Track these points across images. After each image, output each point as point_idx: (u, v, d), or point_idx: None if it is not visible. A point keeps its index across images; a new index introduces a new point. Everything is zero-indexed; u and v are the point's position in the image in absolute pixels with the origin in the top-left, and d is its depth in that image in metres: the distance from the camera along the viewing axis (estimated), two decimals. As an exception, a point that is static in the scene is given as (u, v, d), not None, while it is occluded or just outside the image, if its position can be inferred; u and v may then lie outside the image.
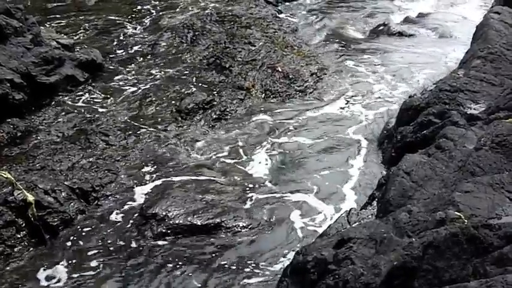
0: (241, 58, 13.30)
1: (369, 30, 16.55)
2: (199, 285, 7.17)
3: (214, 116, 11.21)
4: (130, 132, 10.41)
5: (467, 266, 4.61)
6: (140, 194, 8.88)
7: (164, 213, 8.09)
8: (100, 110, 11.28)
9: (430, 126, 8.88)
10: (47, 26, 14.80)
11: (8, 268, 7.36)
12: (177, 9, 17.13)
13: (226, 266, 7.46)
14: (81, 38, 14.66)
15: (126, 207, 8.61)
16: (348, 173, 9.60)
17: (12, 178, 8.05)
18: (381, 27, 16.36)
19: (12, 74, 10.68)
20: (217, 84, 12.38)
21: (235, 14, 15.97)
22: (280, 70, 12.91)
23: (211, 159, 9.97)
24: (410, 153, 7.65)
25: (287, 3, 18.83)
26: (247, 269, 7.39)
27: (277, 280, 6.24)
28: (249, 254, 7.68)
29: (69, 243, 7.88)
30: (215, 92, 11.91)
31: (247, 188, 9.11)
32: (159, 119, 11.01)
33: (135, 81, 12.54)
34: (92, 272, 7.36)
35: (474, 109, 8.71)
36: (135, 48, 14.26)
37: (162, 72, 12.93)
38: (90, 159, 9.43)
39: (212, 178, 9.26)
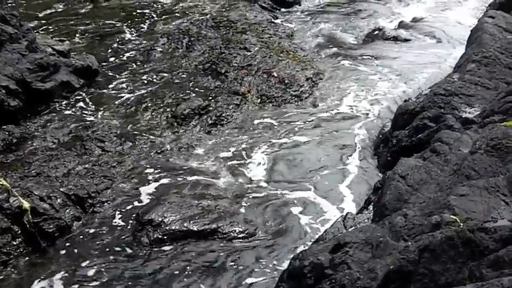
0: (236, 63, 13.31)
1: (364, 35, 16.58)
2: (196, 291, 7.18)
3: (210, 122, 11.21)
4: (126, 138, 10.41)
5: (463, 270, 4.62)
6: (136, 200, 8.87)
7: (160, 219, 8.07)
8: (96, 116, 11.28)
9: (425, 130, 8.91)
10: (42, 32, 14.79)
11: (3, 276, 7.33)
12: (173, 15, 17.15)
13: (222, 271, 7.44)
14: (77, 44, 14.65)
15: (122, 213, 8.60)
16: (343, 177, 9.60)
17: (8, 185, 8.01)
18: (376, 32, 16.39)
19: (8, 81, 10.68)
20: (213, 89, 12.38)
21: (230, 20, 16.00)
22: (275, 75, 12.92)
23: (207, 164, 9.97)
24: (406, 157, 7.67)
25: (282, 9, 18.85)
26: (244, 275, 7.38)
27: (274, 285, 6.24)
28: (245, 259, 7.66)
29: (65, 250, 7.85)
30: (211, 98, 11.91)
31: (244, 193, 9.11)
32: (155, 125, 11.02)
33: (131, 87, 12.54)
34: (88, 280, 7.32)
35: (469, 113, 8.73)
36: (131, 54, 14.27)
37: (158, 78, 12.93)
38: (86, 166, 9.41)
39: (208, 183, 9.25)
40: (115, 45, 14.81)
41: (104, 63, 13.58)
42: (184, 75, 13.05)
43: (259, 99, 12.28)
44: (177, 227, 8.01)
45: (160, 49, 14.33)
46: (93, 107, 11.66)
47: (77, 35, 15.28)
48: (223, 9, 17.30)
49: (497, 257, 4.46)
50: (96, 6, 17.82)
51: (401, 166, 7.24)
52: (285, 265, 6.92)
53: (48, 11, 17.12)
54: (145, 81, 12.79)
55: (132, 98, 12.01)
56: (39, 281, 7.29)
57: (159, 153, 10.14)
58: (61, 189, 8.60)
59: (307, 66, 13.64)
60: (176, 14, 17.25)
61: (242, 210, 8.59)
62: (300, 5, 19.25)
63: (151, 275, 7.37)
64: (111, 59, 13.95)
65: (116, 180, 9.27)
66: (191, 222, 8.10)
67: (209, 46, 14.26)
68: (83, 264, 7.57)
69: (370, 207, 7.74)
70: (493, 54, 9.94)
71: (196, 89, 12.35)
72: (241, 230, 8.13)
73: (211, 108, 11.50)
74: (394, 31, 16.43)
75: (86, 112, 11.41)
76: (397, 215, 5.88)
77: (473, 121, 8.44)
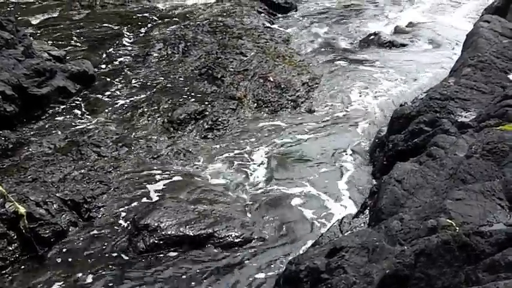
0: (233, 68, 13.33)
1: (359, 40, 16.61)
2: (192, 296, 7.17)
3: (206, 126, 11.21)
4: (122, 143, 10.40)
5: (459, 274, 4.61)
6: (132, 205, 8.85)
7: (156, 224, 8.04)
8: (91, 121, 11.28)
9: (421, 135, 8.90)
10: (38, 37, 14.78)
11: (-1, 281, 7.33)
12: (169, 20, 17.18)
13: (218, 276, 7.42)
14: (73, 49, 14.66)
15: (118, 218, 8.58)
16: (339, 182, 9.61)
17: (4, 190, 8.00)
18: (372, 37, 16.43)
19: (4, 86, 10.69)
20: (209, 94, 12.39)
21: (226, 25, 16.04)
22: (272, 80, 12.94)
23: (203, 169, 9.97)
24: (402, 161, 7.67)
25: (279, 15, 18.88)
26: (240, 280, 7.36)
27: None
28: (241, 264, 7.65)
29: (61, 255, 7.82)
30: (207, 102, 11.91)
31: (240, 198, 9.11)
32: (151, 130, 11.01)
33: (127, 92, 12.55)
34: (84, 285, 7.29)
35: (465, 117, 8.74)
36: (127, 59, 14.28)
37: (154, 83, 12.94)
38: (82, 171, 9.40)
39: (204, 188, 9.23)
40: (111, 50, 14.82)
41: (100, 69, 13.59)
42: (181, 80, 13.06)
43: (256, 104, 12.28)
44: (173, 232, 7.98)
45: (157, 54, 14.35)
46: (89, 112, 11.66)
47: (73, 41, 15.28)
48: (220, 14, 17.31)
49: (493, 260, 4.46)
50: (92, 12, 17.84)
51: (398, 170, 7.24)
52: (281, 269, 6.93)
53: (45, 17, 17.13)
54: (141, 87, 12.80)
55: (128, 103, 12.01)
56: (35, 287, 7.26)
57: (155, 158, 10.14)
58: (57, 195, 8.57)
59: (303, 71, 13.66)
60: (172, 20, 17.28)
61: (238, 215, 8.57)
62: (296, 11, 19.32)
63: (147, 281, 7.34)
64: (107, 65, 13.97)
65: (111, 185, 9.26)
66: (187, 227, 8.08)
67: (205, 51, 14.28)
68: (79, 270, 7.54)
69: (366, 211, 7.74)
70: (489, 59, 9.96)
71: (193, 94, 12.36)
72: (237, 234, 8.12)
73: (207, 113, 11.50)
74: (389, 36, 16.49)
75: (82, 117, 11.41)
76: (393, 219, 5.88)
77: (469, 125, 8.44)
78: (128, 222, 8.40)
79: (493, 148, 6.65)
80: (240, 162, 10.21)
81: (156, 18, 17.37)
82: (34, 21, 16.65)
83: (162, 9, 18.33)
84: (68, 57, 13.14)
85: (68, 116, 11.41)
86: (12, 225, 7.71)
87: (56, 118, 11.28)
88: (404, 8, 19.91)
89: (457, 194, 5.85)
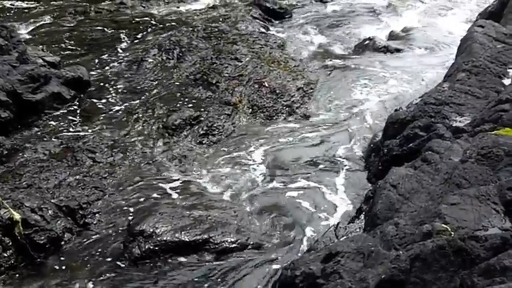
0: (228, 74, 13.34)
1: (354, 45, 16.64)
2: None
3: (202, 132, 11.21)
4: (117, 149, 10.39)
5: (454, 278, 4.62)
6: (127, 210, 8.83)
7: (152, 230, 8.01)
8: (86, 127, 11.25)
9: (416, 139, 8.91)
10: (32, 43, 14.77)
11: (-6, 288, 7.30)
12: (164, 26, 17.17)
13: (213, 282, 7.41)
14: (67, 55, 14.64)
15: (113, 224, 8.56)
16: (334, 187, 9.61)
17: (-2, 196, 8.00)
18: (367, 42, 16.43)
19: (-2, 92, 10.67)
20: (204, 100, 12.39)
21: (221, 30, 16.04)
22: (267, 85, 12.94)
23: (198, 174, 9.96)
24: (397, 166, 7.68)
25: (274, 20, 18.90)
26: (235, 285, 7.35)
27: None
28: (236, 269, 7.63)
29: (56, 262, 7.79)
30: (202, 108, 11.91)
31: (235, 203, 9.10)
32: (146, 136, 11.00)
33: (122, 98, 12.53)
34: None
35: (459, 122, 8.76)
36: (122, 65, 14.26)
37: (149, 89, 12.93)
38: (77, 177, 9.38)
39: (200, 193, 9.23)
40: (106, 56, 14.80)
41: (95, 75, 13.57)
42: (176, 86, 13.05)
43: (251, 110, 12.29)
44: (168, 238, 7.96)
45: (152, 60, 14.33)
46: (84, 118, 11.64)
47: (68, 47, 15.27)
48: (214, 20, 17.34)
49: (489, 265, 4.47)
50: (87, 18, 17.82)
51: (393, 175, 7.25)
52: (277, 275, 6.92)
53: (39, 23, 17.10)
54: (136, 92, 12.78)
55: (123, 109, 12.00)
56: (30, 293, 7.26)
57: (151, 163, 10.13)
58: (52, 201, 8.54)
59: (298, 77, 13.68)
60: (167, 25, 17.26)
61: (234, 220, 8.55)
62: (291, 17, 19.32)
63: (142, 287, 7.33)
64: (102, 70, 13.94)
65: (107, 191, 9.24)
66: (183, 232, 8.06)
67: (200, 57, 14.28)
68: (75, 276, 7.52)
69: (362, 216, 7.74)
70: (483, 63, 9.99)
71: (187, 100, 12.36)
72: (232, 240, 8.10)
73: (202, 119, 11.50)
74: (384, 41, 16.50)
75: (77, 123, 11.39)
76: (389, 224, 5.88)
77: (463, 130, 8.46)
78: (123, 228, 8.37)
79: (488, 153, 6.68)
80: (235, 168, 10.20)
81: (151, 24, 17.36)
82: (28, 27, 16.62)
83: (157, 15, 18.32)
84: (62, 63, 13.11)
85: (62, 122, 11.38)
86: (7, 232, 7.68)
87: (51, 124, 11.26)
88: (399, 13, 19.94)
89: (452, 198, 5.86)
